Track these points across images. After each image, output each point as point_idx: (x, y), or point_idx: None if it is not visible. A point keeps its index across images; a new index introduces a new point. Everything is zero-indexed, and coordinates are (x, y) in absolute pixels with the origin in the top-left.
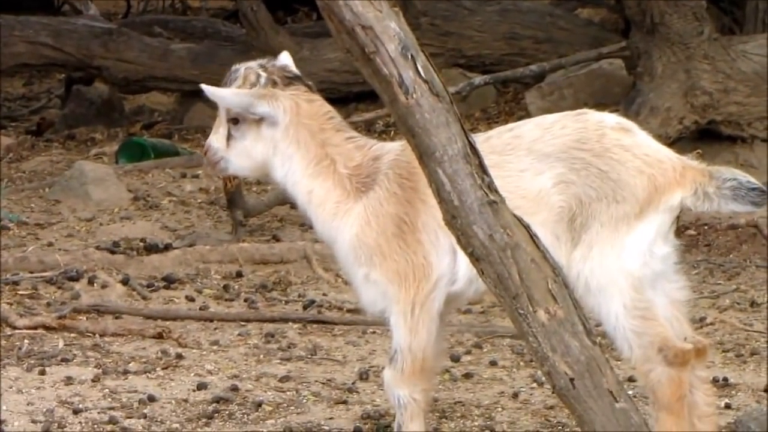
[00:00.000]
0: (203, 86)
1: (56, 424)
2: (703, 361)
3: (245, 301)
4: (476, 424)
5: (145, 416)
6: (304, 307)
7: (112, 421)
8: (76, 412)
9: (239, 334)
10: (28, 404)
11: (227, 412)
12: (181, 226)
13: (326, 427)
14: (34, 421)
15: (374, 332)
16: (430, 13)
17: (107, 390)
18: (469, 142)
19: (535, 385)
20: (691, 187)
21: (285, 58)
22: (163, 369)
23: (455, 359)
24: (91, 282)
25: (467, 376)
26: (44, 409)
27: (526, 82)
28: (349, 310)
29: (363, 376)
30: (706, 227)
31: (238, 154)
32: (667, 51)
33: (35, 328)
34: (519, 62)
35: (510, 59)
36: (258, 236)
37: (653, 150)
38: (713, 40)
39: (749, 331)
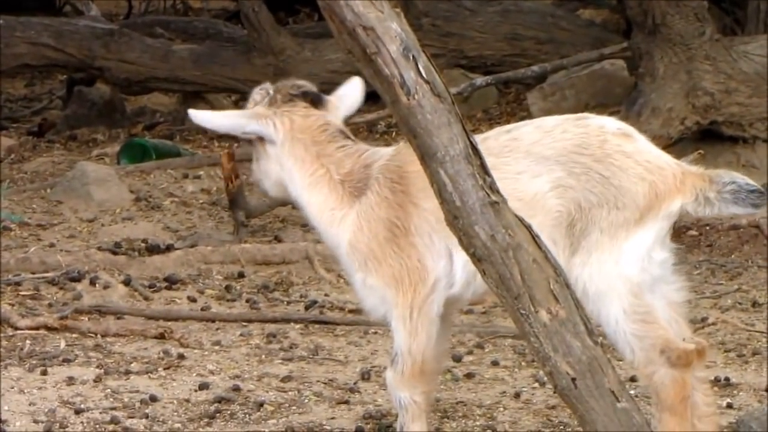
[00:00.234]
0: (190, 112)
1: (58, 425)
2: (703, 361)
3: (247, 301)
4: (478, 424)
5: (146, 416)
6: (306, 308)
7: (114, 421)
8: (77, 412)
9: (241, 335)
10: (29, 404)
11: (229, 412)
12: (182, 226)
13: (328, 427)
14: (35, 422)
15: (376, 332)
16: (432, 14)
17: (109, 390)
18: (471, 142)
19: (536, 385)
20: (692, 194)
21: (354, 84)
22: (164, 369)
23: (457, 359)
24: (92, 282)
25: (469, 376)
26: (46, 410)
27: (527, 82)
28: (350, 311)
29: (365, 376)
30: (707, 228)
31: (261, 174)
32: (669, 52)
33: (37, 328)
34: (521, 63)
35: (512, 60)
36: (260, 237)
37: (654, 156)
38: (715, 40)
39: (751, 331)
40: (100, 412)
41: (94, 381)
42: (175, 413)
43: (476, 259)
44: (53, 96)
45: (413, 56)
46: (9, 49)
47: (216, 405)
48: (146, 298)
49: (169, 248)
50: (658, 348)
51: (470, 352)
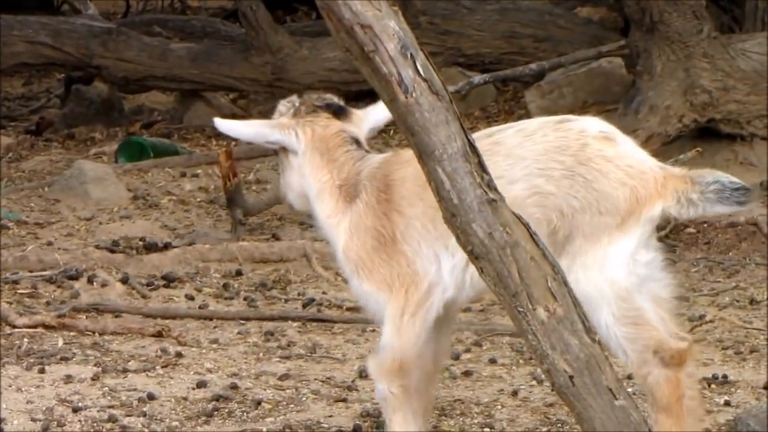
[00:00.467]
0: (216, 120)
1: (56, 423)
2: (690, 357)
3: (245, 299)
4: (476, 421)
5: (144, 414)
6: (304, 306)
7: (112, 419)
8: (75, 410)
9: (239, 333)
10: (27, 403)
11: (227, 410)
12: (180, 225)
13: (326, 425)
14: (33, 420)
15: (374, 330)
16: (430, 12)
17: (107, 388)
18: (469, 140)
19: (534, 382)
20: (673, 197)
21: (380, 105)
22: (162, 367)
23: (455, 357)
24: (90, 281)
25: (467, 373)
26: (44, 408)
27: (525, 80)
28: (348, 309)
29: (362, 374)
30: (705, 225)
31: (286, 186)
32: (667, 49)
33: (35, 326)
34: (518, 61)
35: (509, 58)
36: (257, 235)
37: (636, 160)
38: (713, 38)
39: (749, 329)
40: (98, 411)
41: (92, 379)
42: (173, 411)
43: (474, 256)
44: (51, 94)
45: (411, 54)
46: (7, 48)
47: (214, 403)
48: (144, 297)
49: (166, 246)
50: (650, 349)
51: (468, 350)
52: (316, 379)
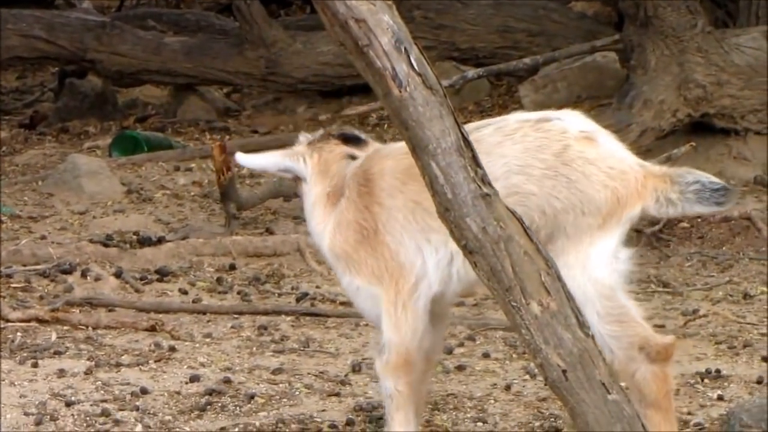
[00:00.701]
0: (237, 155)
1: (49, 417)
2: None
3: (238, 293)
4: (469, 416)
5: (137, 408)
6: (297, 300)
7: (105, 413)
8: (68, 404)
9: (232, 327)
10: (20, 397)
11: (220, 405)
12: (174, 219)
13: (318, 420)
14: (26, 414)
15: (367, 325)
16: (424, 6)
17: (100, 382)
18: (463, 135)
19: (527, 377)
20: (652, 196)
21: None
22: (155, 361)
23: (448, 351)
24: (84, 275)
25: (460, 368)
26: (37, 402)
27: (519, 75)
28: (342, 303)
29: (356, 369)
30: (699, 219)
31: (304, 211)
32: (661, 44)
33: (28, 320)
34: (512, 55)
35: (503, 52)
36: (251, 229)
37: (617, 160)
38: (707, 33)
39: (742, 323)
40: (91, 405)
41: (85, 373)
42: (166, 405)
43: (468, 251)
44: (45, 88)
45: (405, 48)
46: (1, 42)
47: (207, 397)
48: (137, 291)
49: (160, 240)
50: (636, 346)
51: (461, 344)
52: (309, 374)
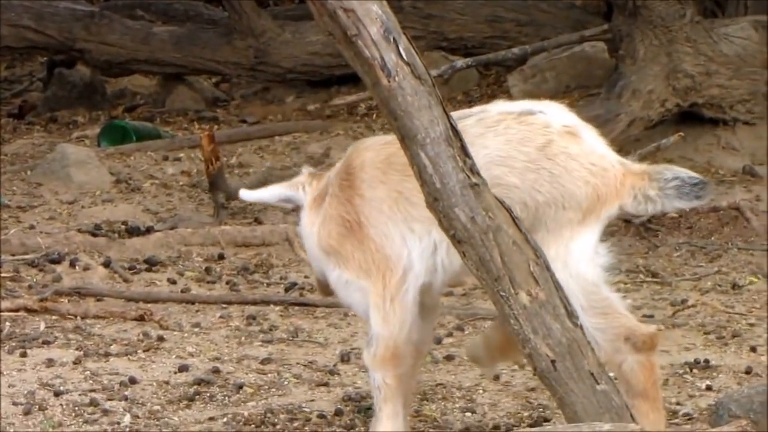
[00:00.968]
0: (241, 192)
1: (37, 407)
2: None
3: (227, 283)
4: (457, 406)
5: (126, 398)
6: (286, 290)
7: (93, 403)
8: (57, 394)
9: (221, 317)
10: (9, 386)
11: (208, 394)
12: (162, 208)
13: (307, 409)
14: (15, 404)
15: (355, 315)
16: None
17: (88, 372)
18: (452, 125)
19: (516, 367)
20: (630, 194)
21: None
22: (144, 351)
23: (437, 341)
24: (72, 264)
25: (449, 358)
26: (25, 392)
27: (508, 65)
28: None
29: (344, 359)
30: (687, 210)
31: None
32: (649, 34)
33: (17, 310)
34: (501, 45)
35: (492, 42)
36: (240, 219)
37: (598, 157)
38: (695, 22)
39: (731, 313)
40: (80, 394)
41: (74, 363)
42: (155, 395)
43: (456, 241)
44: (33, 78)
45: (394, 38)
46: None
47: (195, 387)
48: (126, 280)
49: (149, 230)
50: (622, 337)
51: (450, 335)
52: (298, 364)
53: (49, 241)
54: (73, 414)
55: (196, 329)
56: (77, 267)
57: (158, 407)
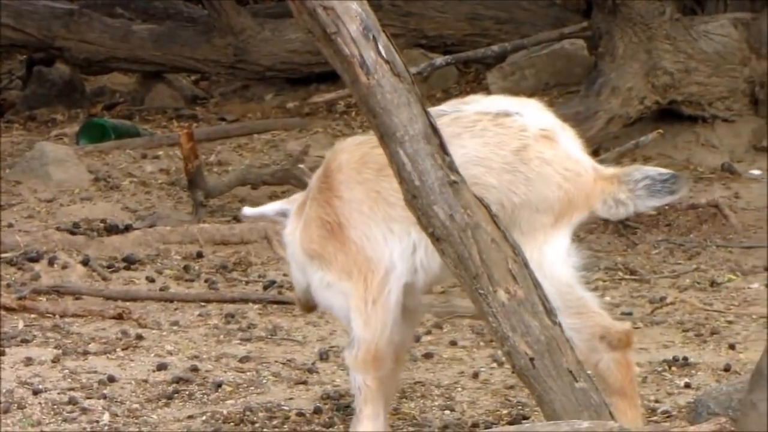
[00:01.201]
0: (244, 210)
1: (16, 405)
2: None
3: (205, 281)
4: (436, 403)
5: (104, 397)
6: (265, 288)
7: (72, 401)
8: (35, 392)
9: (199, 315)
10: None
11: (187, 393)
12: (141, 206)
13: (286, 408)
14: None
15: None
16: None
17: (67, 371)
18: (430, 122)
19: (495, 365)
20: (601, 199)
21: None
22: (123, 350)
23: (416, 339)
24: (51, 263)
25: (427, 356)
26: (4, 390)
27: (487, 62)
28: None
29: (323, 357)
30: (666, 207)
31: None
32: (629, 31)
33: None
34: (480, 43)
35: (471, 40)
36: (218, 217)
37: (573, 162)
38: (675, 20)
39: (709, 311)
40: (58, 393)
41: (52, 361)
42: (133, 394)
43: (435, 238)
44: (13, 76)
45: (373, 36)
46: None
47: (174, 385)
48: (105, 279)
49: (127, 228)
50: (597, 336)
51: (429, 332)
52: (276, 362)
53: (27, 239)
54: (52, 412)
55: (175, 327)
56: (56, 265)
57: (137, 405)
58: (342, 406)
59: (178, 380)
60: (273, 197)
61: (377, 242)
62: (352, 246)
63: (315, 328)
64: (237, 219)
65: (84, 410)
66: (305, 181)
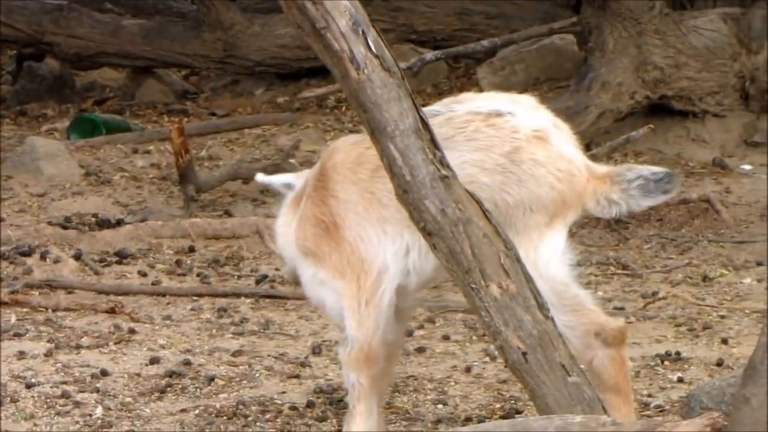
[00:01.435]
0: (258, 176)
1: (9, 399)
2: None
3: (198, 276)
4: (429, 398)
5: (97, 390)
6: (257, 282)
7: (65, 395)
8: (28, 386)
9: (192, 309)
10: None
11: (180, 387)
12: (133, 201)
13: (279, 401)
14: None
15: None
16: None
17: (60, 364)
18: (421, 117)
19: (487, 359)
20: (593, 198)
21: None
22: (115, 343)
23: (408, 334)
24: (43, 257)
25: (420, 350)
26: None
27: (477, 57)
28: None
29: (315, 351)
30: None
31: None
32: (619, 26)
33: None
34: (470, 37)
35: (461, 34)
36: (210, 211)
37: (566, 162)
38: (664, 15)
39: (701, 306)
40: (51, 387)
41: (45, 355)
42: (126, 387)
43: (426, 233)
44: (3, 71)
45: (363, 31)
46: None
47: (167, 379)
48: (97, 273)
49: (119, 223)
50: (592, 333)
51: (421, 327)
52: (269, 356)
53: (19, 233)
54: (45, 406)
55: (167, 321)
56: (48, 259)
57: (130, 399)
58: (335, 400)
59: (171, 374)
60: (264, 192)
61: (371, 243)
62: (346, 246)
63: (307, 322)
64: (228, 213)
65: (77, 404)
66: None
